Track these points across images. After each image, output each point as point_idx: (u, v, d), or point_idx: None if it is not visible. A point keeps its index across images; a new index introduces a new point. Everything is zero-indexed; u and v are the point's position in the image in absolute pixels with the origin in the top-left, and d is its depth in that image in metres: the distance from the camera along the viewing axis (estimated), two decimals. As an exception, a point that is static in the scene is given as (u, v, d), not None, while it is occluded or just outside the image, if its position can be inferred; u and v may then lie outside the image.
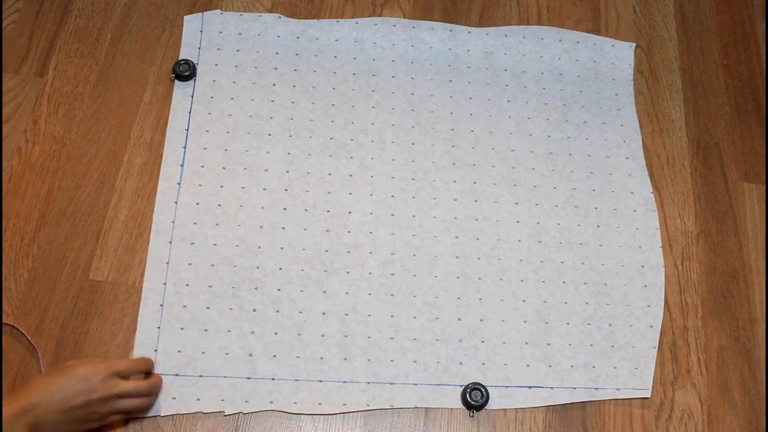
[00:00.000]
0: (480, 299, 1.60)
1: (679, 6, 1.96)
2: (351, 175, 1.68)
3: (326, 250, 1.60)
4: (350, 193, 1.66)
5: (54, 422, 1.27)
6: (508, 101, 1.80)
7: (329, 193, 1.65)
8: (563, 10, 1.91)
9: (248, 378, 1.49)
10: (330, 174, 1.67)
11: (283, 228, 1.61)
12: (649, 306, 1.62)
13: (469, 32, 1.86)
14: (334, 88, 1.76)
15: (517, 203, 1.69)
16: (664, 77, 1.87)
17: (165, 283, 1.54)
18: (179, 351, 1.49)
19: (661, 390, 1.55)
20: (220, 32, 1.79)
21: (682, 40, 1.91)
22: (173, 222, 1.59)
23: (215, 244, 1.58)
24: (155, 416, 1.43)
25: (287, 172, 1.66)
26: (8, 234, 1.55)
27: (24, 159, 1.62)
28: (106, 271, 1.54)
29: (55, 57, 1.74)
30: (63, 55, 1.74)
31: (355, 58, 1.80)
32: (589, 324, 1.59)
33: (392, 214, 1.65)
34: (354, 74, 1.79)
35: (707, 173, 1.77)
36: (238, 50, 1.78)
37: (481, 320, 1.58)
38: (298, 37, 1.81)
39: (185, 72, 1.72)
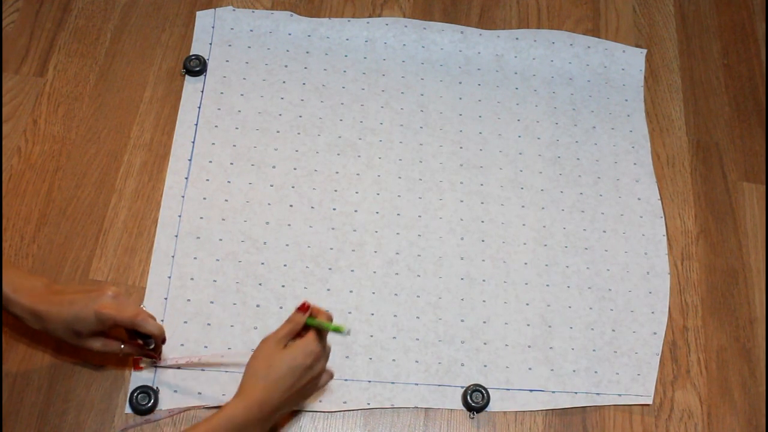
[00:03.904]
0: (483, 301, 1.47)
1: (679, 6, 1.84)
2: (358, 174, 1.56)
3: (331, 248, 1.48)
4: (357, 192, 1.54)
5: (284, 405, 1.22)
6: (518, 104, 1.67)
7: (336, 191, 1.53)
8: (563, 10, 1.79)
9: (250, 373, 1.38)
10: (337, 172, 1.55)
11: (289, 225, 1.49)
12: (653, 313, 1.49)
13: (480, 35, 1.73)
14: (343, 87, 1.64)
15: (523, 206, 1.56)
16: (664, 77, 1.74)
17: (170, 277, 1.42)
18: (182, 345, 1.37)
19: (660, 390, 1.43)
20: (232, 29, 1.67)
21: (682, 40, 1.80)
22: (180, 216, 1.48)
23: (221, 239, 1.46)
24: (155, 411, 1.32)
25: (294, 169, 1.54)
26: (8, 234, 1.43)
27: (24, 159, 1.50)
28: (105, 270, 1.42)
29: (54, 57, 1.62)
30: (63, 54, 1.62)
31: (365, 58, 1.68)
32: (592, 329, 1.47)
33: (398, 214, 1.53)
34: (364, 74, 1.66)
35: (707, 173, 1.65)
36: (249, 47, 1.66)
37: (484, 322, 1.45)
38: (309, 36, 1.68)
39: (196, 67, 1.61)
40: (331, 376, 1.27)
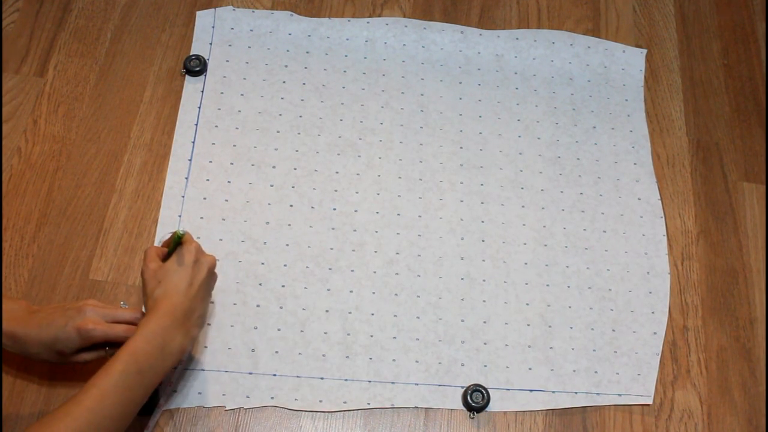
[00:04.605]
0: (484, 301, 1.46)
1: (679, 6, 1.83)
2: (358, 174, 1.55)
3: (331, 248, 1.48)
4: (357, 192, 1.53)
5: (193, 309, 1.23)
6: (518, 104, 1.66)
7: (336, 191, 1.53)
8: (563, 10, 1.79)
9: (250, 373, 1.37)
10: (337, 172, 1.55)
11: (289, 225, 1.49)
12: (653, 313, 1.49)
13: (480, 35, 1.73)
14: (343, 87, 1.63)
15: (523, 206, 1.55)
16: (664, 77, 1.74)
17: None
18: None
19: (661, 390, 1.42)
20: (232, 28, 1.67)
21: (682, 40, 1.79)
22: (180, 216, 1.48)
23: (221, 239, 1.46)
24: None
25: (295, 169, 1.54)
26: (8, 234, 1.43)
27: (24, 159, 1.50)
28: (105, 271, 1.42)
29: (55, 57, 1.62)
30: (63, 54, 1.62)
31: (365, 58, 1.67)
32: (592, 329, 1.46)
33: (398, 214, 1.52)
34: (364, 73, 1.66)
35: (707, 173, 1.64)
36: (249, 47, 1.65)
37: (485, 322, 1.45)
38: (309, 36, 1.68)
39: (196, 67, 1.61)
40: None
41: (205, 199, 1.48)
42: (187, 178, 1.50)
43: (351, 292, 1.44)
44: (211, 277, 1.25)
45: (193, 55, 1.60)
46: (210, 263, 1.25)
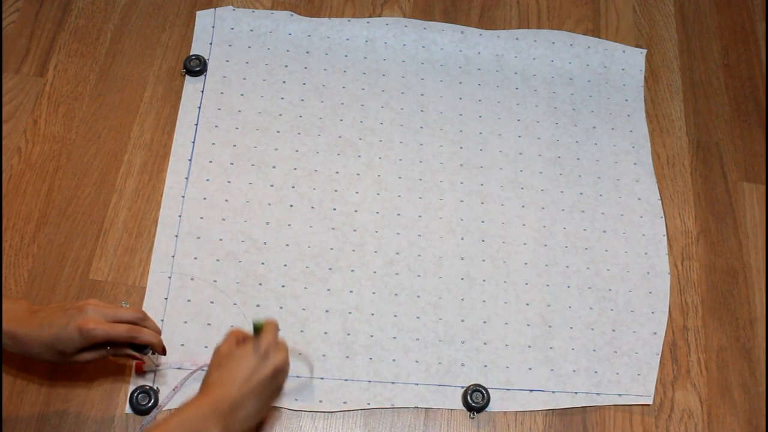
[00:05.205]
0: (484, 301, 1.46)
1: (679, 6, 1.83)
2: (358, 174, 1.55)
3: (331, 248, 1.48)
4: (357, 192, 1.53)
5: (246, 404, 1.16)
6: (518, 104, 1.66)
7: (336, 191, 1.53)
8: (563, 10, 1.79)
9: (250, 373, 1.36)
10: (337, 172, 1.55)
11: (289, 225, 1.49)
12: (653, 312, 1.49)
13: (480, 35, 1.73)
14: (343, 87, 1.63)
15: (523, 206, 1.55)
16: (664, 77, 1.73)
17: (170, 277, 1.42)
18: (182, 345, 1.37)
19: (661, 390, 1.42)
20: (232, 28, 1.66)
21: (682, 40, 1.79)
22: (180, 216, 1.47)
23: (221, 239, 1.46)
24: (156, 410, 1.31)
25: (295, 169, 1.54)
26: (8, 234, 1.43)
27: (24, 159, 1.50)
28: (106, 270, 1.41)
29: (55, 57, 1.61)
30: (63, 54, 1.62)
31: (365, 58, 1.67)
32: (592, 329, 1.46)
33: (398, 214, 1.52)
34: (364, 73, 1.66)
35: (707, 173, 1.64)
36: (249, 47, 1.65)
37: (485, 322, 1.45)
38: (309, 35, 1.68)
39: (196, 67, 1.60)
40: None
41: (205, 199, 1.48)
42: (187, 178, 1.49)
43: (351, 292, 1.43)
44: (276, 376, 1.19)
45: (193, 55, 1.60)
46: (277, 361, 1.19)
